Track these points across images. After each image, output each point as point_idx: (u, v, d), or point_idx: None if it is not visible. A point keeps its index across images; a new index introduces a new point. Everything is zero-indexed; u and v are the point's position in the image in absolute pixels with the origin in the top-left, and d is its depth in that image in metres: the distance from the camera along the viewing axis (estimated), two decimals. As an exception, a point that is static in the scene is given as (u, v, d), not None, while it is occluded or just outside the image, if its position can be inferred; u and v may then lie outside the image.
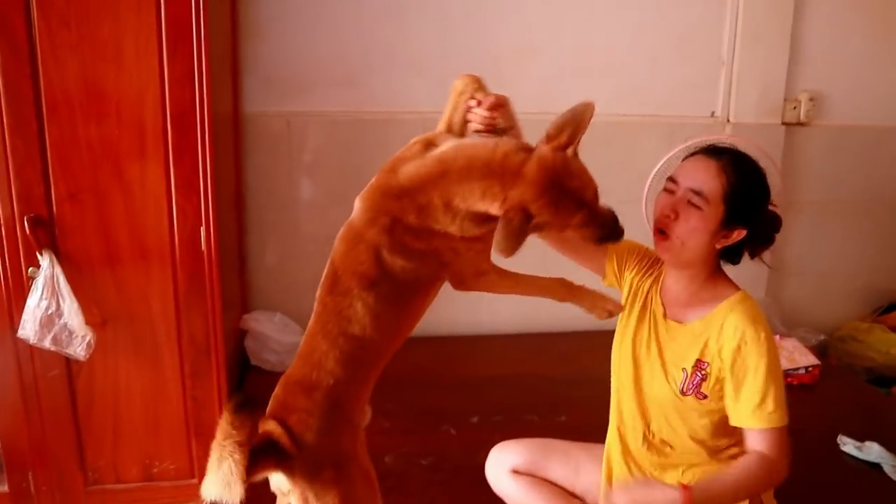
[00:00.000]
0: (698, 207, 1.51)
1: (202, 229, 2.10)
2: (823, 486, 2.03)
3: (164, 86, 2.00)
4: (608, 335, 1.92)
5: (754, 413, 1.48)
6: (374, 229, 1.35)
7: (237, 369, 2.56)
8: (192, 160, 2.06)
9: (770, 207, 1.58)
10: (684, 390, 1.57)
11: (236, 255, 2.69)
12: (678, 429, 1.60)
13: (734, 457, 1.59)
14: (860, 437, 2.26)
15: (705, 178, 1.51)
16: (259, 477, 1.32)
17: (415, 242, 1.35)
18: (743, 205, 1.51)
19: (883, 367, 3.20)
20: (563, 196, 1.25)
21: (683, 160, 1.60)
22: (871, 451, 2.19)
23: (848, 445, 2.24)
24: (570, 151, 1.27)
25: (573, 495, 1.78)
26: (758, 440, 1.49)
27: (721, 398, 1.55)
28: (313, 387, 1.38)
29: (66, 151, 1.99)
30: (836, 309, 3.52)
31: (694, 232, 1.52)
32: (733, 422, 1.53)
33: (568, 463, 1.79)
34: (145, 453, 2.29)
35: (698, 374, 1.55)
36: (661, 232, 1.56)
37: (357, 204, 1.42)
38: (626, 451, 1.70)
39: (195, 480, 2.32)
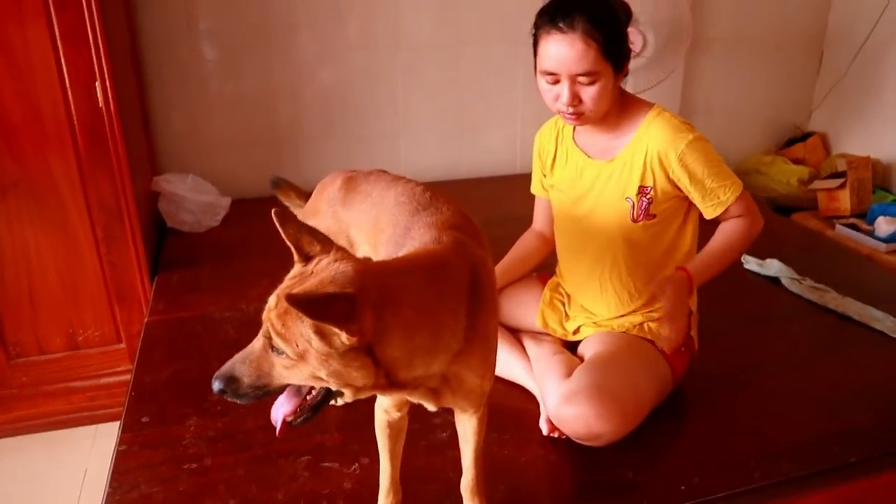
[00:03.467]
0: (592, 82, 1.50)
1: (97, 84, 1.97)
2: (728, 300, 2.18)
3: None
4: (525, 178, 1.95)
5: (719, 201, 1.58)
6: None
7: (153, 232, 2.49)
8: (77, 10, 1.91)
9: None
10: (635, 218, 1.63)
11: (139, 115, 2.55)
12: (628, 258, 1.68)
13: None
14: (762, 257, 2.41)
15: (578, 56, 1.47)
16: None
17: None
18: (620, 45, 1.52)
19: (784, 196, 3.38)
20: None
21: (542, 42, 1.52)
22: (772, 267, 2.34)
23: (750, 263, 2.39)
24: None
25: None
26: (731, 211, 1.61)
27: (670, 212, 1.63)
28: None
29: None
30: (742, 143, 3.65)
31: (601, 100, 1.53)
32: (708, 216, 1.63)
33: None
34: (67, 322, 2.25)
35: (644, 199, 1.61)
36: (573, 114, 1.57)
37: None
38: (577, 291, 1.80)
39: (122, 345, 2.32)
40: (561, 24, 1.47)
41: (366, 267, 1.00)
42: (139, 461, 1.51)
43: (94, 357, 2.31)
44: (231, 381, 0.98)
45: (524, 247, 1.92)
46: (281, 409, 1.04)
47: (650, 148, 1.58)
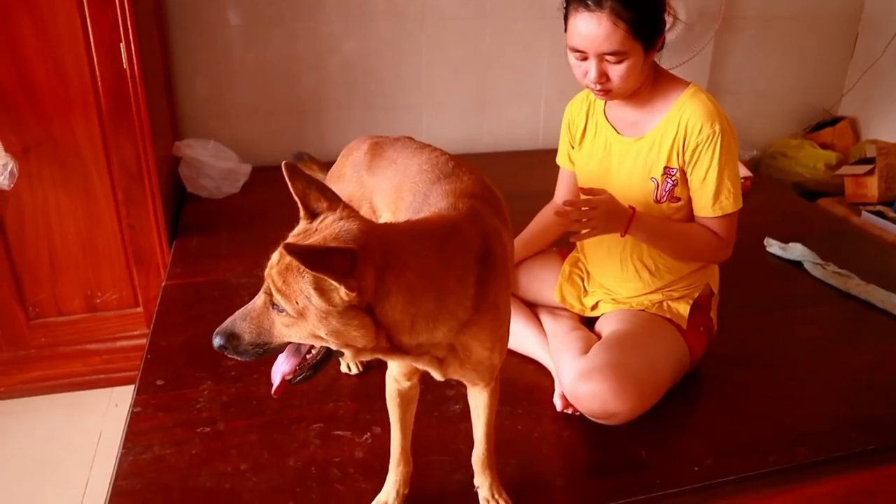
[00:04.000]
0: (620, 61, 1.46)
1: (122, 45, 1.97)
2: (750, 282, 2.15)
3: None
4: (547, 153, 1.92)
5: (713, 205, 1.56)
6: None
7: (173, 197, 2.50)
8: (103, -31, 1.90)
9: None
10: (658, 199, 1.61)
11: (162, 79, 2.54)
12: None
13: None
14: (785, 241, 2.37)
15: (606, 37, 1.43)
16: None
17: None
18: (651, 23, 1.46)
19: (810, 181, 3.32)
20: None
21: (570, 18, 1.48)
22: (795, 251, 2.30)
23: (773, 246, 2.36)
24: None
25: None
26: (712, 224, 1.59)
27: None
28: None
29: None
30: (770, 126, 3.58)
31: (630, 78, 1.49)
32: (699, 212, 1.59)
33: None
34: (86, 284, 2.27)
35: (669, 180, 1.58)
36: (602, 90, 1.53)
37: None
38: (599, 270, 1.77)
39: (139, 309, 2.33)
40: (589, 2, 1.43)
41: (371, 227, 0.99)
42: (153, 423, 1.52)
43: (111, 320, 2.33)
44: (231, 337, 0.98)
45: (544, 220, 1.89)
46: (280, 368, 1.04)
47: (680, 127, 1.54)
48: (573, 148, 1.78)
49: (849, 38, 3.54)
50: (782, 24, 3.38)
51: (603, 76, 1.49)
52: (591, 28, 1.43)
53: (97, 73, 2.00)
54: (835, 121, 3.57)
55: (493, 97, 3.11)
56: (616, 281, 1.73)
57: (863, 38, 3.51)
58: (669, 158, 1.57)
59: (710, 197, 1.55)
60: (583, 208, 1.47)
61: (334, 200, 1.01)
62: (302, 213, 1.01)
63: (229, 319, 0.99)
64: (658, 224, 1.60)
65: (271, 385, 1.05)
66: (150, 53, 2.30)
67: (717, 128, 1.51)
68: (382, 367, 1.57)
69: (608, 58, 1.46)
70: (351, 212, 1.00)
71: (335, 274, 0.88)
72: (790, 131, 3.64)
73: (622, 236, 1.56)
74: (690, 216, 1.63)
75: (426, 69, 2.98)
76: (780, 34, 3.40)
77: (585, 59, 1.49)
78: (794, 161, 3.37)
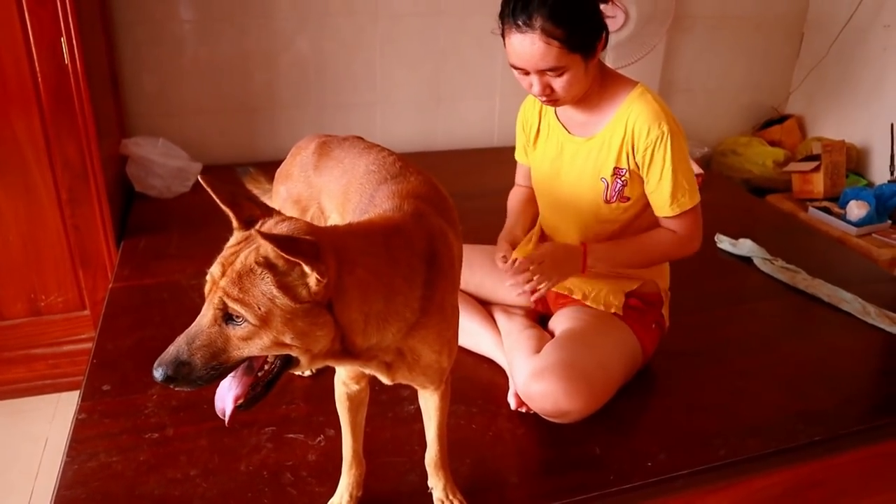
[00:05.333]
0: (560, 74, 1.47)
1: (63, 40, 1.91)
2: (700, 278, 2.18)
3: None
4: (502, 151, 1.91)
5: (671, 205, 1.57)
6: None
7: (120, 196, 2.43)
8: (42, -39, 1.84)
9: None
10: (608, 199, 1.62)
11: (107, 75, 2.47)
12: (601, 236, 1.66)
13: None
14: (735, 237, 2.41)
15: (541, 55, 1.43)
16: None
17: None
18: (585, 33, 1.45)
19: (759, 178, 3.39)
20: None
21: (506, 35, 1.48)
22: (744, 247, 2.34)
23: (724, 242, 2.40)
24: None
25: (463, 292, 1.82)
26: (671, 223, 1.60)
27: (643, 194, 1.61)
28: None
29: None
30: (721, 124, 3.65)
31: (573, 87, 1.50)
32: (659, 212, 1.60)
33: (467, 265, 1.80)
34: (29, 287, 2.19)
35: (618, 181, 1.59)
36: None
37: None
38: None
39: (86, 312, 2.26)
40: (520, 22, 1.42)
41: (316, 227, 0.97)
42: (99, 430, 1.48)
43: (56, 324, 2.26)
44: (181, 366, 0.90)
45: (518, 196, 1.88)
46: (229, 394, 0.97)
47: (628, 129, 1.55)
48: (529, 146, 1.78)
49: (795, 38, 3.62)
50: (731, 24, 3.44)
51: (547, 88, 1.50)
52: (525, 48, 1.44)
53: (37, 68, 1.93)
54: (782, 119, 3.65)
55: (447, 94, 3.10)
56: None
57: (808, 37, 3.59)
58: (619, 159, 1.58)
59: (668, 197, 1.56)
60: (531, 267, 1.52)
61: (266, 208, 0.98)
62: (235, 222, 0.97)
63: (172, 348, 0.91)
64: (613, 248, 1.63)
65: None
66: (95, 49, 2.24)
67: (664, 129, 1.52)
68: (330, 370, 1.55)
69: (548, 72, 1.47)
70: (288, 217, 0.97)
71: (307, 258, 0.86)
72: (740, 129, 3.71)
73: (581, 273, 1.60)
74: (640, 214, 1.64)
75: (380, 66, 2.96)
76: (730, 34, 3.46)
77: (528, 73, 1.49)
78: (743, 158, 3.44)
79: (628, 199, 1.61)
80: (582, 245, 1.59)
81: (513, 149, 1.86)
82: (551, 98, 1.53)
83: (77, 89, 1.98)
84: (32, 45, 1.91)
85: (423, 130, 3.13)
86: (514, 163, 1.94)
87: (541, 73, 1.47)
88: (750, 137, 3.56)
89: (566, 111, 1.66)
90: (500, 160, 2.15)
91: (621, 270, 1.69)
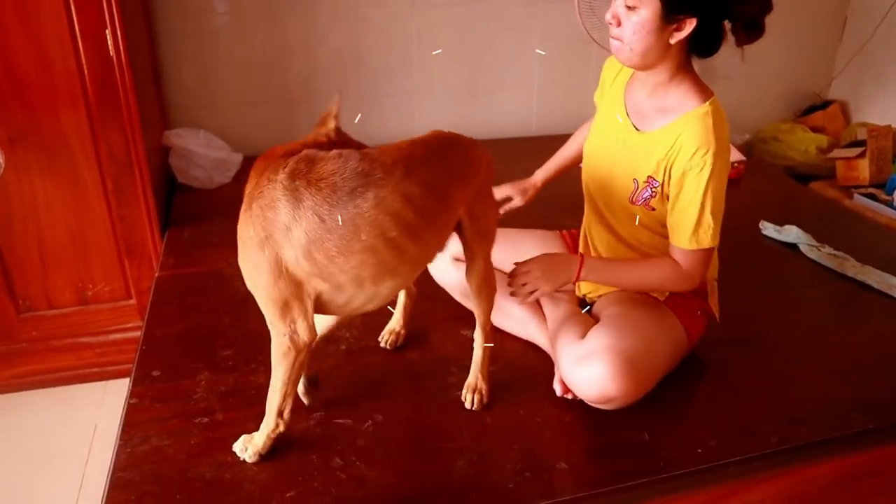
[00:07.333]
0: (633, 8, 1.43)
1: (107, 32, 1.93)
2: (746, 265, 2.15)
3: None
4: (540, 140, 1.90)
5: (689, 238, 1.50)
6: None
7: (163, 187, 2.46)
8: (88, -44, 1.86)
9: None
10: (633, 200, 1.59)
11: (150, 67, 2.50)
12: (640, 229, 1.63)
13: None
14: (779, 224, 2.37)
15: None
16: None
17: None
18: None
19: (802, 164, 3.32)
20: None
21: None
22: (790, 233, 2.30)
23: (768, 229, 2.36)
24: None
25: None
26: (681, 255, 1.54)
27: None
28: None
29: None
30: (761, 110, 3.58)
31: (636, 35, 1.44)
32: (674, 241, 1.54)
33: (514, 248, 1.80)
34: (77, 277, 2.23)
35: (648, 189, 1.55)
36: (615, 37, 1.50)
37: None
38: (594, 248, 1.76)
39: (132, 301, 2.30)
40: None
41: None
42: (150, 415, 1.50)
43: (103, 312, 2.29)
44: None
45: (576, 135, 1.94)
46: None
47: (676, 142, 1.49)
48: (601, 94, 1.76)
49: (838, 22, 3.54)
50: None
51: (616, 17, 1.46)
52: None
53: (83, 60, 1.96)
54: (825, 104, 3.57)
55: (485, 84, 3.09)
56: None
57: (851, 21, 3.51)
58: (656, 170, 1.53)
59: (689, 228, 1.49)
60: (519, 278, 1.58)
61: None
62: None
63: None
64: (610, 265, 1.63)
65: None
66: (137, 41, 2.26)
67: (709, 160, 1.44)
68: (377, 355, 1.57)
69: (627, 1, 1.43)
70: None
71: None
72: (781, 115, 3.64)
73: (574, 283, 1.61)
74: (662, 227, 1.60)
75: (417, 56, 2.96)
76: (770, 19, 3.35)
77: None
78: (785, 145, 3.37)
79: (654, 209, 1.57)
80: (580, 256, 1.59)
81: (551, 137, 1.85)
82: (617, 35, 1.48)
83: (122, 81, 2.00)
84: (79, 37, 1.93)
85: (460, 120, 3.12)
86: (553, 151, 1.93)
87: None
88: (792, 124, 3.50)
89: (633, 90, 1.62)
90: (538, 148, 2.13)
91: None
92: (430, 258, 1.39)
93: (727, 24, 1.50)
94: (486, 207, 1.47)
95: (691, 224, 1.49)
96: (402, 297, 1.72)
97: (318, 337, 1.29)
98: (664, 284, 1.60)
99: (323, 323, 1.47)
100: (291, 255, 1.18)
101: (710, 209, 1.48)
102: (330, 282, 1.21)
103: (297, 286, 1.21)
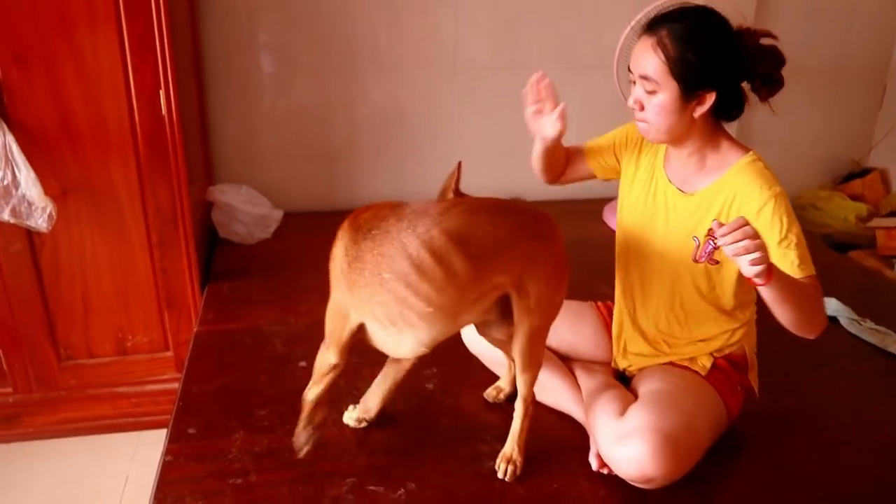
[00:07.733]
0: (652, 92, 1.48)
1: (161, 92, 2.00)
2: (785, 337, 2.10)
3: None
4: (575, 203, 1.91)
5: (799, 266, 1.44)
6: None
7: (205, 241, 2.51)
8: (147, 19, 1.94)
9: (763, 41, 1.53)
10: (696, 258, 1.58)
11: (198, 125, 2.58)
12: (688, 295, 1.63)
13: (748, 320, 1.67)
14: (820, 295, 2.33)
15: (646, 61, 1.47)
16: None
17: None
18: (694, 70, 1.44)
19: (840, 233, 3.29)
20: None
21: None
22: (830, 305, 2.26)
23: (809, 302, 2.32)
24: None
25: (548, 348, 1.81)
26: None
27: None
28: None
29: (8, 12, 1.86)
30: (798, 177, 3.56)
31: (660, 115, 1.49)
32: (784, 267, 1.43)
33: None
34: (117, 327, 2.27)
35: (710, 242, 1.54)
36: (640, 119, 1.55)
37: None
38: (633, 320, 1.74)
39: (170, 353, 2.33)
40: (651, 27, 1.49)
41: None
42: (184, 473, 1.51)
43: (141, 363, 2.33)
44: None
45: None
46: None
47: (733, 192, 1.51)
48: (626, 184, 1.75)
49: (877, 89, 3.53)
50: (809, 76, 3.37)
51: (639, 101, 1.51)
52: (640, 49, 1.50)
53: (136, 118, 2.03)
54: (864, 172, 3.54)
55: (523, 147, 3.11)
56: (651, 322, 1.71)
57: (891, 88, 3.50)
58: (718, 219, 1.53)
59: (792, 255, 1.44)
60: (745, 236, 1.29)
61: None
62: None
63: None
64: (791, 280, 1.42)
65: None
66: (188, 98, 2.34)
67: (776, 189, 1.46)
68: (411, 421, 1.56)
69: (644, 84, 1.48)
70: None
71: None
72: (819, 182, 3.62)
73: (766, 283, 1.35)
74: (728, 280, 1.58)
75: (457, 118, 3.01)
76: (808, 85, 3.39)
77: (634, 82, 1.52)
78: (824, 213, 3.35)
79: (717, 262, 1.57)
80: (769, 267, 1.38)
81: (589, 201, 1.85)
82: (641, 118, 1.53)
83: (172, 138, 2.07)
84: (134, 97, 2.01)
85: (498, 181, 3.14)
86: (589, 215, 1.93)
87: (642, 80, 1.48)
88: (830, 191, 3.47)
89: (672, 163, 1.64)
90: (576, 212, 2.15)
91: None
92: (455, 317, 1.39)
93: (747, 85, 1.54)
94: (539, 284, 1.44)
95: (794, 255, 1.43)
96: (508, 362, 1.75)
97: (342, 363, 1.46)
98: (816, 311, 1.47)
99: (377, 396, 1.64)
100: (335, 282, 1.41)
101: (796, 239, 1.44)
102: (359, 314, 1.38)
103: (343, 314, 1.41)
